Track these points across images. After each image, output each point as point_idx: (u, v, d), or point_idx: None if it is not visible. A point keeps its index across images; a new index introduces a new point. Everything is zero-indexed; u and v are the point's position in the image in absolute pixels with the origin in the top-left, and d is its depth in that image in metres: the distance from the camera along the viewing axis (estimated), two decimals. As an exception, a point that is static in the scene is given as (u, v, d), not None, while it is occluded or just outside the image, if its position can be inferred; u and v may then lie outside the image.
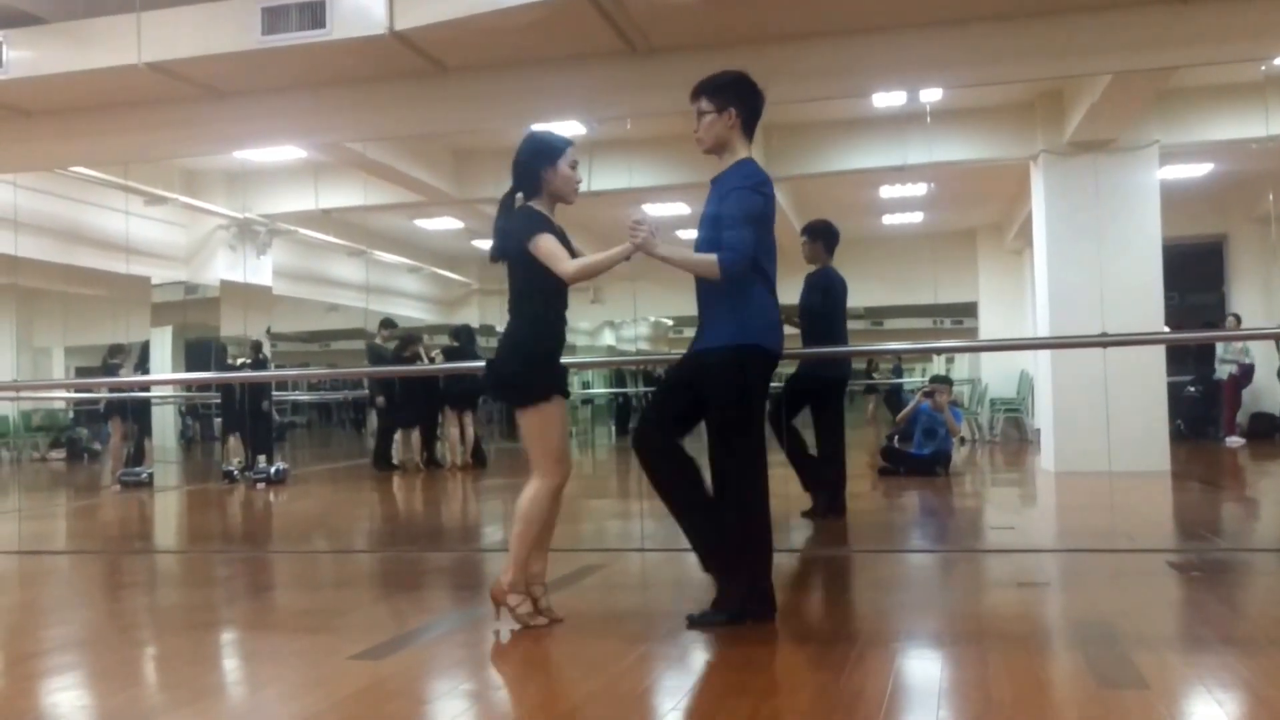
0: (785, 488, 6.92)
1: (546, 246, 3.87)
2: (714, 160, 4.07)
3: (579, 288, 4.19)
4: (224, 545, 7.25)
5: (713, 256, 3.83)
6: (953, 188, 12.01)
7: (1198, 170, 10.78)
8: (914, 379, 14.24)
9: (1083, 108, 8.42)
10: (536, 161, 4.00)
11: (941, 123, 9.33)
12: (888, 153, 9.77)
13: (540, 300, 3.98)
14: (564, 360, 4.10)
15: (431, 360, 11.72)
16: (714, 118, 3.94)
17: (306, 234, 12.81)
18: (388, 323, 12.07)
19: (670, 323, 15.68)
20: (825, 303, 6.77)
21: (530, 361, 3.94)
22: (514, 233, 3.95)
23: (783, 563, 5.45)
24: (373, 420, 12.84)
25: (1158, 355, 9.24)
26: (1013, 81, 8.29)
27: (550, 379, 3.96)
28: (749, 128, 4.00)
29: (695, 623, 3.87)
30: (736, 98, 3.95)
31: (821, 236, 6.93)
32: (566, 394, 4.03)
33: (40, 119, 7.58)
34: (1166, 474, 8.87)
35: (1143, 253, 9.19)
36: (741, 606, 3.86)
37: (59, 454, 15.38)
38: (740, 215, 3.83)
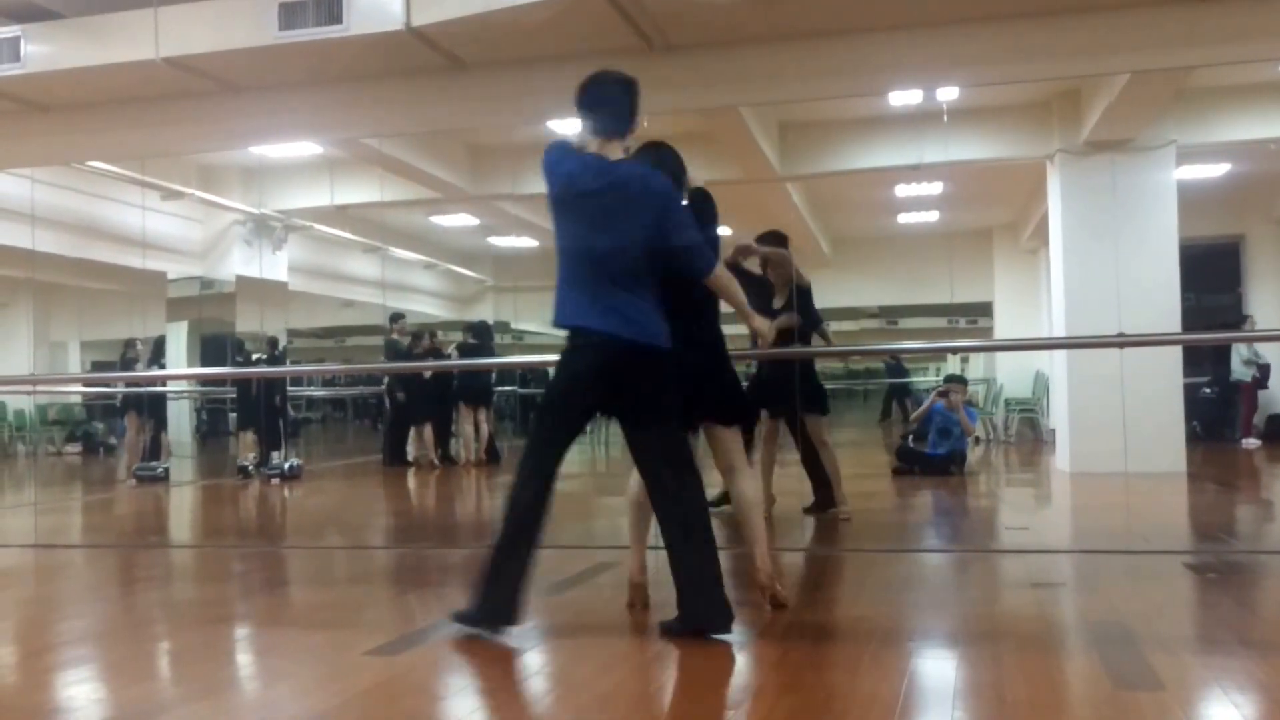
0: (800, 485, 6.93)
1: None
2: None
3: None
4: (239, 540, 7.27)
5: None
6: (969, 187, 11.97)
7: (1215, 170, 10.73)
8: (928, 378, 14.21)
9: (1100, 107, 8.37)
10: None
11: (958, 121, 9.30)
12: (903, 151, 9.74)
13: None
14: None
15: (447, 356, 11.74)
16: None
17: (322, 230, 12.85)
18: (397, 316, 12.09)
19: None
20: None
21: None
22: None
23: (793, 562, 5.46)
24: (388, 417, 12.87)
25: (1174, 356, 9.19)
26: (1030, 80, 8.25)
27: None
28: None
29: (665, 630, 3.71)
30: None
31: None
32: None
33: (57, 114, 7.61)
34: (1182, 475, 8.83)
35: (1159, 253, 9.13)
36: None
37: (74, 448, 15.46)
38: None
